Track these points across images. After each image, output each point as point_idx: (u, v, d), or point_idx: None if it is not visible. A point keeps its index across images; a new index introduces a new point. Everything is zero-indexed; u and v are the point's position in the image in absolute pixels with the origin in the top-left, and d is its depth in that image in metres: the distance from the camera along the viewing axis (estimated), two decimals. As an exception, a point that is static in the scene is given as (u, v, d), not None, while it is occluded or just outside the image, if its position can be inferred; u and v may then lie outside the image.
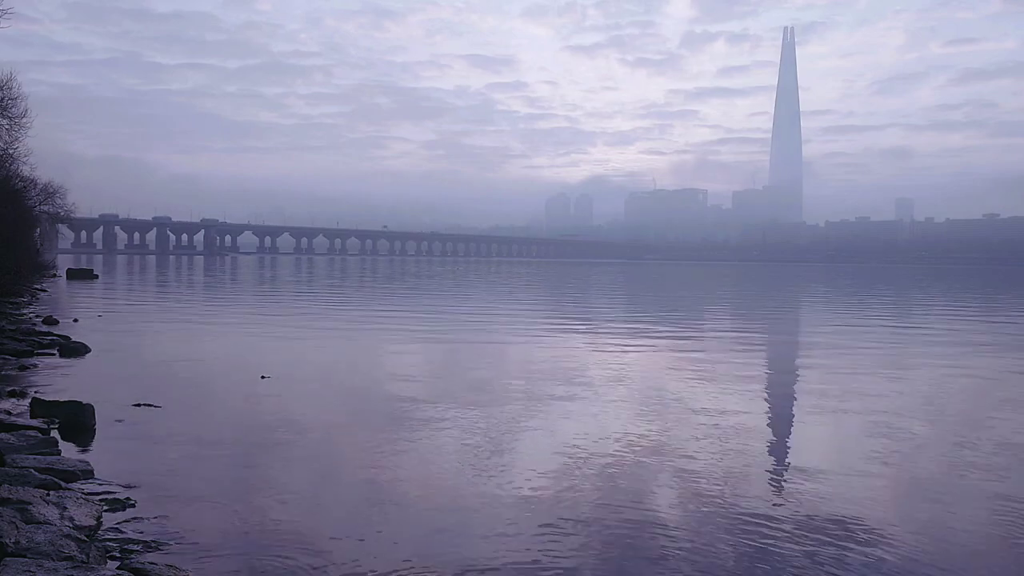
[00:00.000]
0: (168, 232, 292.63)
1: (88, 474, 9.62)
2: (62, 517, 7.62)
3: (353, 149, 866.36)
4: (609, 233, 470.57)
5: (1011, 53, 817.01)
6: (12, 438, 10.58)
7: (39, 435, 10.98)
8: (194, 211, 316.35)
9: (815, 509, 9.11)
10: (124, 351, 22.65)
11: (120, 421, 12.78)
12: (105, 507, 8.45)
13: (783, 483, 10.29)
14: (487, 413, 14.16)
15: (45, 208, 62.55)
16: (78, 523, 7.58)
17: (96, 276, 70.69)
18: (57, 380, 16.49)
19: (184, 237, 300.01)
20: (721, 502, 9.32)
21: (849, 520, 8.73)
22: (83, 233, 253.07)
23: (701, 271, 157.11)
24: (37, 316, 30.06)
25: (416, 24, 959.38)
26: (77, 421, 12.35)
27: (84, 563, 6.62)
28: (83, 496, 8.48)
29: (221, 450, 11.39)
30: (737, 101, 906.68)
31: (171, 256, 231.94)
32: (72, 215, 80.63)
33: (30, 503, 7.76)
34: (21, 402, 13.80)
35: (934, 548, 8.09)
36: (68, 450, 10.92)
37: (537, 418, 13.89)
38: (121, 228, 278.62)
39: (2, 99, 35.85)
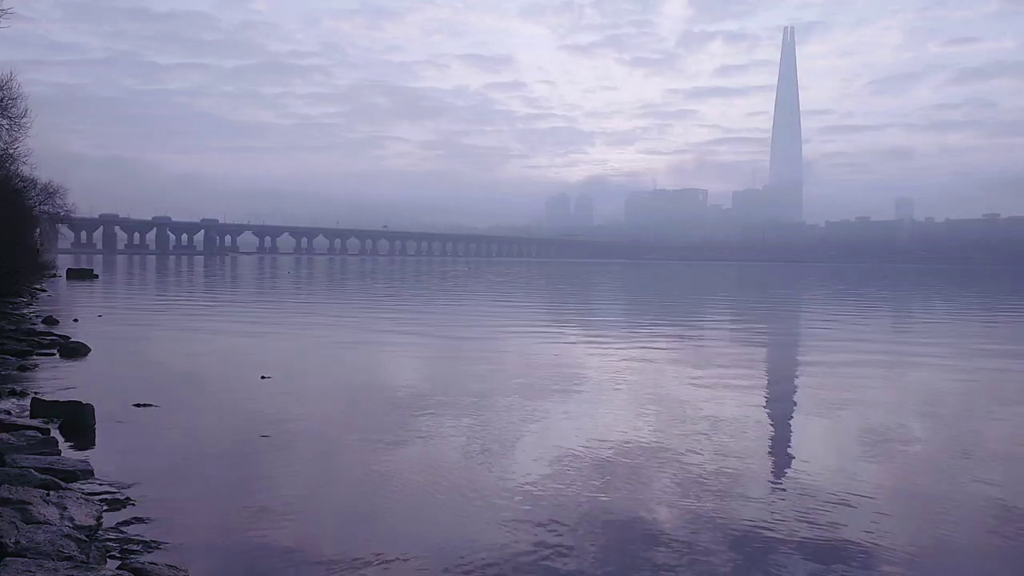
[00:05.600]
0: (168, 232, 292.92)
1: (88, 474, 9.61)
2: (62, 517, 7.62)
3: (352, 149, 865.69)
4: (609, 233, 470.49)
5: (1010, 52, 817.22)
6: (12, 438, 10.57)
7: (39, 435, 10.97)
8: (194, 211, 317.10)
9: (814, 512, 9.10)
10: (124, 351, 22.65)
11: (120, 421, 12.78)
12: (105, 507, 8.44)
13: (782, 487, 10.28)
14: (487, 414, 14.16)
15: (45, 208, 62.56)
16: (78, 523, 7.58)
17: (96, 276, 70.69)
18: (57, 380, 16.48)
19: (184, 237, 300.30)
20: (719, 505, 9.31)
21: (849, 523, 8.73)
22: (83, 233, 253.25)
23: (702, 272, 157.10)
24: (37, 316, 30.04)
25: (414, 24, 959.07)
26: (77, 421, 12.34)
27: (84, 563, 6.62)
28: (83, 496, 8.48)
29: (221, 450, 11.40)
30: (735, 101, 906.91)
31: (171, 256, 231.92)
32: (72, 215, 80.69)
33: (30, 503, 7.76)
34: (21, 402, 13.80)
35: (934, 552, 8.10)
36: (68, 450, 10.92)
37: (536, 419, 13.88)
38: (121, 228, 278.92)
39: (2, 99, 35.88)
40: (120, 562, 7.13)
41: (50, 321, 27.90)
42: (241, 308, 42.80)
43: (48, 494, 8.13)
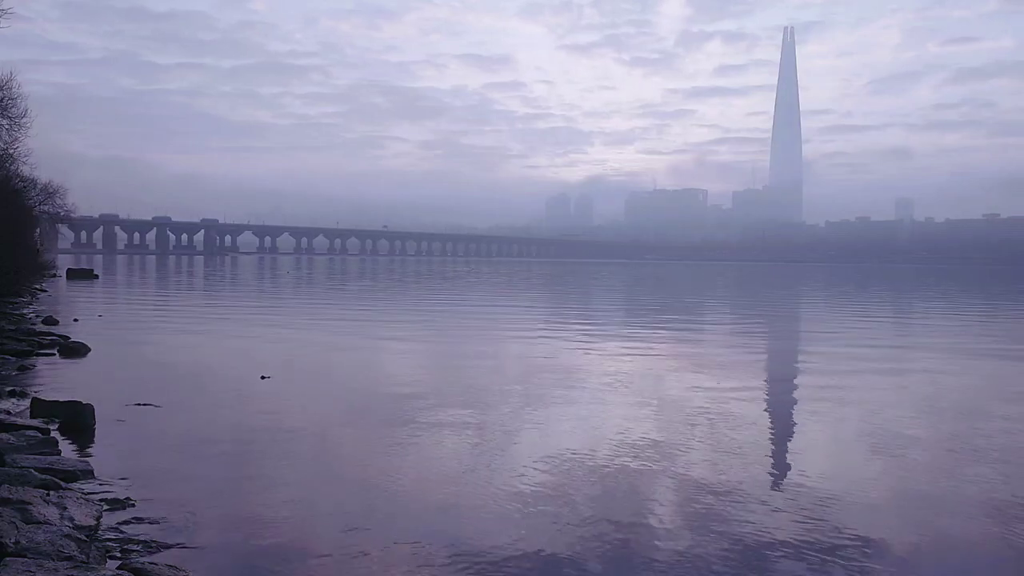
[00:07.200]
0: (168, 232, 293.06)
1: (88, 474, 9.61)
2: (62, 517, 7.62)
3: (351, 149, 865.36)
4: (609, 233, 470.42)
5: (1009, 52, 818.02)
6: (12, 438, 10.57)
7: (39, 435, 10.97)
8: (194, 211, 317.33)
9: (813, 513, 9.10)
10: (124, 351, 22.65)
11: (120, 421, 12.77)
12: (105, 507, 8.45)
13: (783, 488, 10.29)
14: (486, 414, 14.16)
15: (45, 208, 62.60)
16: (78, 523, 7.58)
17: (96, 276, 70.67)
18: (57, 380, 16.48)
19: (184, 237, 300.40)
20: (720, 506, 9.31)
21: (848, 524, 8.73)
22: (83, 233, 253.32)
23: (702, 272, 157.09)
24: (37, 316, 30.04)
25: (412, 23, 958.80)
26: (77, 421, 12.33)
27: (84, 563, 6.62)
28: (83, 496, 8.49)
29: (221, 450, 11.40)
30: (734, 101, 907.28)
31: (171, 256, 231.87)
32: (72, 215, 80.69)
33: (30, 503, 7.76)
34: (21, 402, 13.79)
35: (934, 553, 8.10)
36: (68, 450, 10.92)
37: (535, 419, 13.89)
38: (121, 228, 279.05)
39: (2, 99, 35.86)
40: (120, 562, 7.13)
41: (50, 321, 27.89)
42: (241, 308, 42.78)
43: (48, 494, 8.13)
